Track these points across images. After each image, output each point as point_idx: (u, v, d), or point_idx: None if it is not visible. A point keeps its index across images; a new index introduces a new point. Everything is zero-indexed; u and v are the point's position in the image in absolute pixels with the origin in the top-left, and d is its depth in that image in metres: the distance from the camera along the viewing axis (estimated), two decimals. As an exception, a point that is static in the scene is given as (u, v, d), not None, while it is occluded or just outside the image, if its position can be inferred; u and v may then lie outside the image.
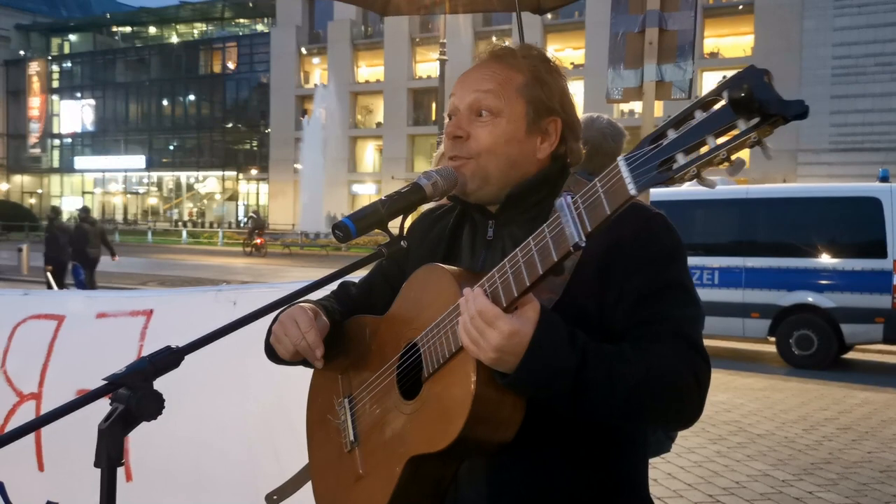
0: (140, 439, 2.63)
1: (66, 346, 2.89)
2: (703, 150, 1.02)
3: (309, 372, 1.68)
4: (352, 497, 1.52)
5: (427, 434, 1.33)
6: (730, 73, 1.03)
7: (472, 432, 1.27)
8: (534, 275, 1.20)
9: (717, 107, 1.03)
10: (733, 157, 1.03)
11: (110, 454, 1.13)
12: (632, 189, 1.09)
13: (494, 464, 1.38)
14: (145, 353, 2.66)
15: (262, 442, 2.47)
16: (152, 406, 1.16)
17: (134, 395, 1.16)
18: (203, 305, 2.79)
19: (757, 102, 0.97)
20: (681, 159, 1.04)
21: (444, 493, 1.41)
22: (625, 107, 37.12)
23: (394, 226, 1.46)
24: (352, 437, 1.53)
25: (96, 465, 1.14)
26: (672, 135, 1.05)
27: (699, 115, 1.03)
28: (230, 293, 2.68)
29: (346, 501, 1.54)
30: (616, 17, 4.37)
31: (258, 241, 31.93)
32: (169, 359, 1.21)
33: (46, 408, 2.83)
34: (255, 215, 36.61)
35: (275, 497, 2.04)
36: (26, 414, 2.88)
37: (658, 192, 11.54)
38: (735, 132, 1.00)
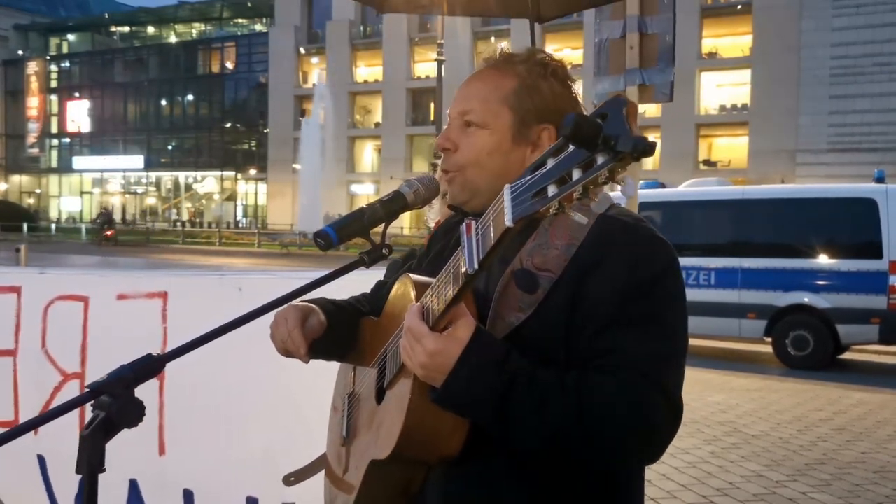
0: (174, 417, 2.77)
1: (98, 327, 3.01)
2: (566, 184, 0.97)
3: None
4: (339, 489, 1.59)
5: (380, 440, 1.37)
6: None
7: (411, 443, 1.29)
8: (447, 297, 1.18)
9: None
10: (594, 193, 0.97)
11: (91, 461, 1.14)
12: (508, 220, 1.03)
13: (450, 474, 1.37)
14: (171, 334, 2.80)
15: (286, 424, 2.58)
16: (132, 413, 1.17)
17: (115, 402, 1.17)
18: (211, 289, 2.90)
19: (602, 138, 0.90)
20: (552, 191, 0.98)
21: (415, 496, 1.42)
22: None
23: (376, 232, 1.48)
24: (344, 433, 1.59)
25: (77, 471, 1.15)
26: (550, 164, 0.99)
27: (570, 146, 0.96)
28: (233, 278, 2.84)
29: (336, 492, 1.61)
30: (599, 24, 4.38)
31: (108, 233, 36.64)
32: (150, 366, 1.23)
33: None
34: (104, 210, 40.47)
35: (292, 479, 2.09)
36: (71, 392, 2.99)
37: (657, 193, 11.58)
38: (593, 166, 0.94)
